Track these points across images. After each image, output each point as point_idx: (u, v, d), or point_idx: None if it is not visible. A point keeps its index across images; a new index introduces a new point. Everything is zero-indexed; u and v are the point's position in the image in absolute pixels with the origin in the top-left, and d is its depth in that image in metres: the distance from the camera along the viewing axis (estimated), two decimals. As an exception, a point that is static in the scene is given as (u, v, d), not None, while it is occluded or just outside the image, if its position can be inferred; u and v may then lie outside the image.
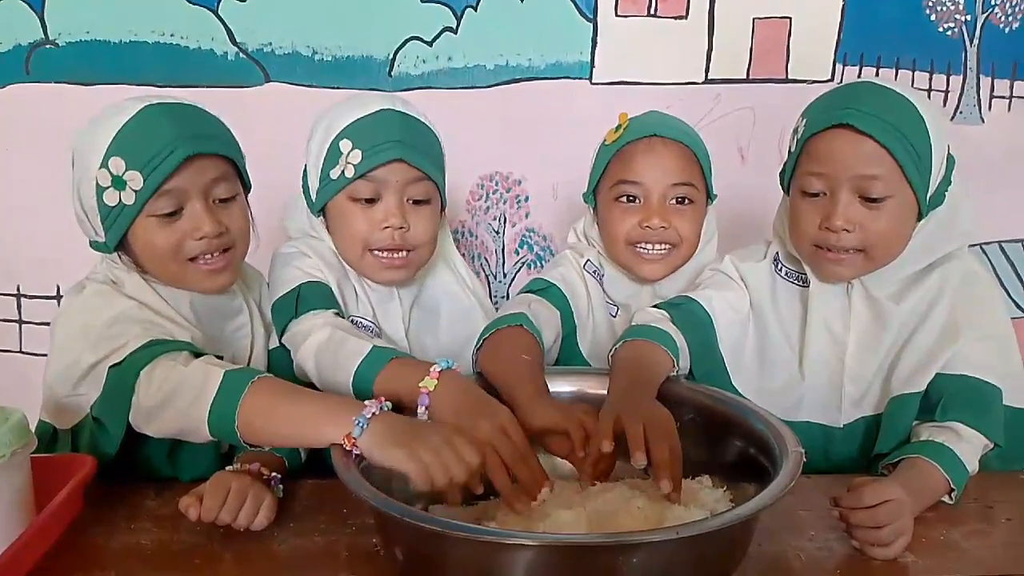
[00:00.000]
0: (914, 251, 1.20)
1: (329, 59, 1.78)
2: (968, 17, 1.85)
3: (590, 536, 0.93)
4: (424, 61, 1.80)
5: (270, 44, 1.77)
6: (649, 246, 1.35)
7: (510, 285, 1.94)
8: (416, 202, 1.27)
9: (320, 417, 0.98)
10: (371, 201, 1.25)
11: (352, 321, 1.27)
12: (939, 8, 1.84)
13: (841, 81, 1.83)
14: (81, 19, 1.73)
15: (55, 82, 1.75)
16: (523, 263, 1.94)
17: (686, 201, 1.35)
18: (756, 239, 1.39)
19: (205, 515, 0.99)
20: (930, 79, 1.86)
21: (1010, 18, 1.86)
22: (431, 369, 1.07)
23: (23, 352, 1.88)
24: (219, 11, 1.74)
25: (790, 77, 1.85)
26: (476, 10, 1.78)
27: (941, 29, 1.85)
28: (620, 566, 0.83)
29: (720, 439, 1.11)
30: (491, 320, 1.30)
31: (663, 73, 1.84)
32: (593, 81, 1.83)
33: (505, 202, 1.90)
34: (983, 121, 1.90)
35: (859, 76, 1.83)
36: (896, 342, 1.23)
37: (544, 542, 0.85)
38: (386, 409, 0.98)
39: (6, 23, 1.72)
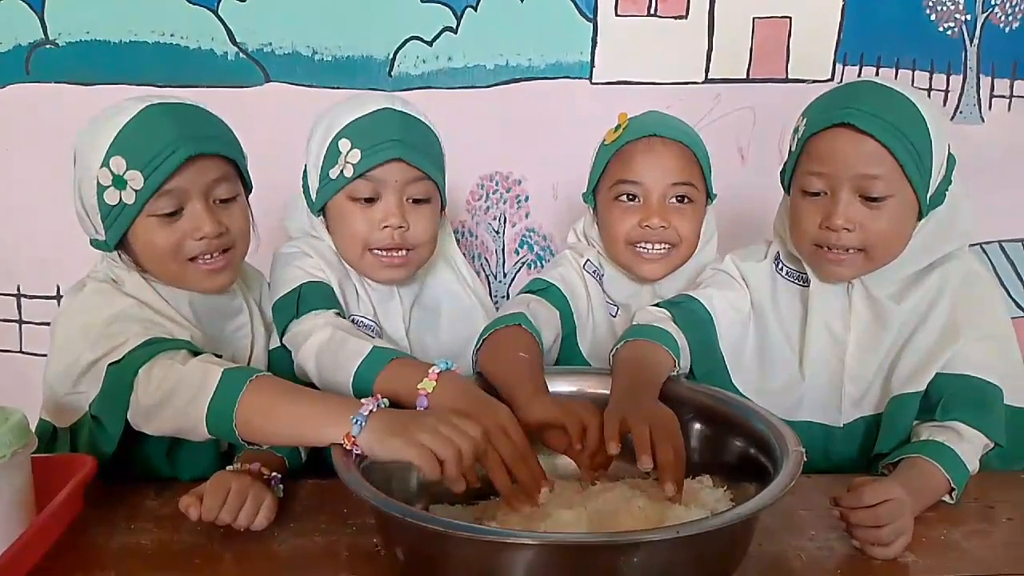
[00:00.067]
0: (914, 251, 1.20)
1: (329, 59, 1.78)
2: (968, 17, 1.85)
3: (591, 535, 0.93)
4: (424, 61, 1.79)
5: (270, 44, 1.77)
6: (649, 246, 1.35)
7: (510, 285, 1.94)
8: (416, 201, 1.27)
9: (320, 417, 0.98)
10: (370, 201, 1.25)
11: (353, 320, 1.27)
12: (939, 8, 1.84)
13: (841, 81, 1.83)
14: (81, 19, 1.73)
15: (55, 82, 1.75)
16: (523, 263, 1.94)
17: (686, 200, 1.35)
18: (756, 239, 1.39)
19: (205, 515, 0.99)
20: (930, 79, 1.86)
21: (1010, 18, 1.86)
22: (430, 371, 1.07)
23: (23, 352, 1.88)
24: (219, 11, 1.74)
25: (790, 77, 1.85)
26: (476, 10, 1.78)
27: (941, 29, 1.85)
28: (621, 565, 0.83)
29: (720, 439, 1.11)
30: (491, 320, 1.30)
31: (663, 73, 1.83)
32: (593, 81, 1.83)
33: (505, 202, 1.90)
34: (983, 121, 1.90)
35: (859, 76, 1.83)
36: (896, 342, 1.23)
37: (545, 541, 0.85)
38: (383, 406, 0.98)
39: (6, 23, 1.72)
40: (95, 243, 1.15)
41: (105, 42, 1.74)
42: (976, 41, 1.86)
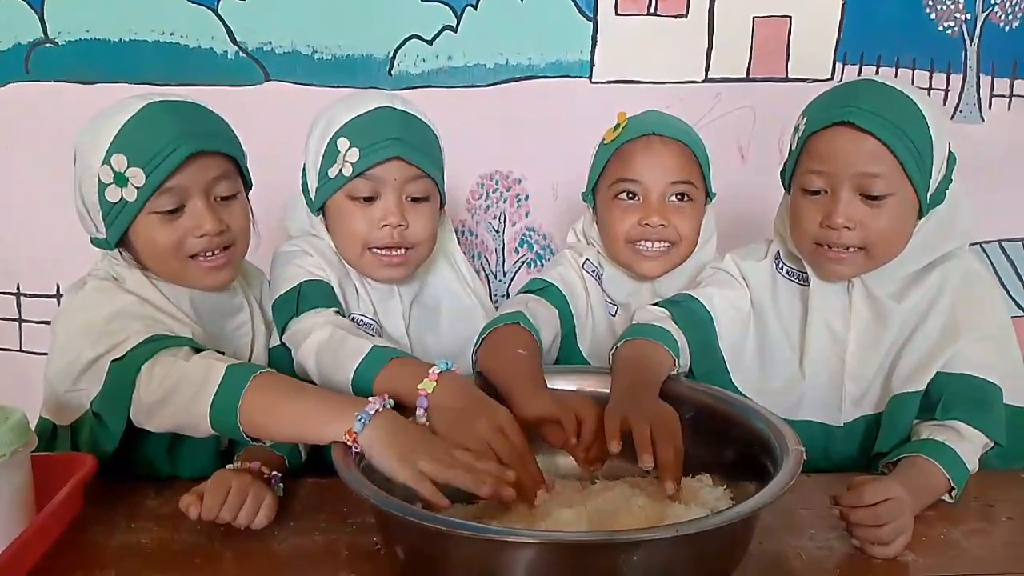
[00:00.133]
0: (915, 249, 1.20)
1: (329, 58, 1.78)
2: (968, 16, 1.85)
3: (591, 534, 0.93)
4: (424, 60, 1.79)
5: (270, 43, 1.76)
6: (648, 244, 1.35)
7: (510, 284, 1.94)
8: (415, 200, 1.27)
9: (322, 414, 0.98)
10: (370, 199, 1.25)
11: (353, 319, 1.28)
12: (939, 7, 1.84)
13: (841, 80, 1.83)
14: (81, 18, 1.72)
15: (55, 81, 1.74)
16: (523, 262, 1.94)
17: (685, 199, 1.35)
18: (756, 239, 1.39)
19: (205, 514, 0.99)
20: (930, 78, 1.86)
21: (1010, 17, 1.86)
22: (430, 371, 1.07)
23: (23, 351, 1.88)
24: (219, 10, 1.74)
25: (790, 76, 1.85)
26: (476, 9, 1.78)
27: (941, 28, 1.85)
28: (621, 564, 0.83)
29: (720, 438, 1.11)
30: (490, 320, 1.30)
31: (663, 72, 1.83)
32: (593, 80, 1.83)
33: (505, 201, 1.90)
34: (983, 120, 1.90)
35: (859, 75, 1.83)
36: (897, 341, 1.23)
37: (545, 540, 0.85)
38: (389, 406, 0.99)
39: (6, 22, 1.72)
40: (96, 241, 1.15)
41: (105, 41, 1.73)
42: (976, 40, 1.86)
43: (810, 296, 1.26)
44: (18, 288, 1.86)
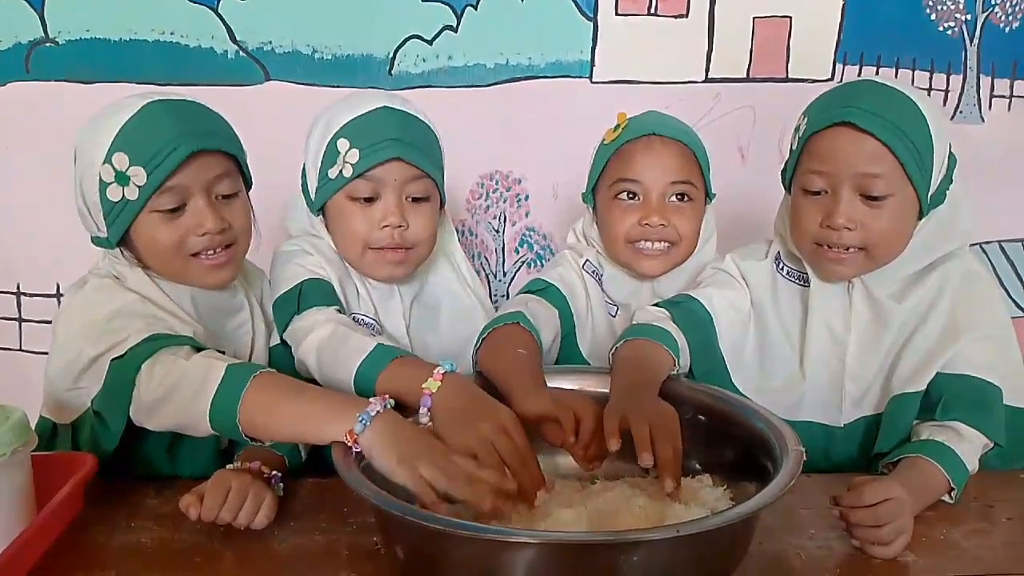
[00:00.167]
0: (915, 250, 1.20)
1: (329, 58, 1.78)
2: (968, 16, 1.85)
3: (591, 534, 0.93)
4: (424, 60, 1.79)
5: (270, 42, 1.76)
6: (649, 243, 1.35)
7: (510, 284, 1.94)
8: (415, 200, 1.27)
9: (322, 415, 0.98)
10: (370, 200, 1.25)
11: (353, 318, 1.28)
12: (939, 7, 1.84)
13: (841, 80, 1.83)
14: (81, 17, 1.72)
15: (55, 80, 1.74)
16: (523, 262, 1.94)
17: (685, 199, 1.35)
18: (756, 239, 1.39)
19: (206, 514, 0.99)
20: (930, 78, 1.86)
21: (1010, 17, 1.86)
22: (435, 371, 1.07)
23: (23, 350, 1.88)
24: (219, 9, 1.74)
25: (790, 76, 1.85)
26: (476, 9, 1.78)
27: (941, 28, 1.85)
28: (621, 564, 0.83)
29: (720, 438, 1.11)
30: (490, 320, 1.30)
31: (663, 72, 1.83)
32: (593, 80, 1.83)
33: (505, 201, 1.90)
34: (983, 120, 1.90)
35: (859, 75, 1.83)
36: (897, 341, 1.23)
37: (545, 540, 0.85)
38: (389, 407, 0.99)
39: (6, 21, 1.72)
40: (97, 240, 1.15)
41: (105, 40, 1.73)
42: (976, 41, 1.86)
43: (810, 296, 1.26)
44: (18, 288, 1.86)
